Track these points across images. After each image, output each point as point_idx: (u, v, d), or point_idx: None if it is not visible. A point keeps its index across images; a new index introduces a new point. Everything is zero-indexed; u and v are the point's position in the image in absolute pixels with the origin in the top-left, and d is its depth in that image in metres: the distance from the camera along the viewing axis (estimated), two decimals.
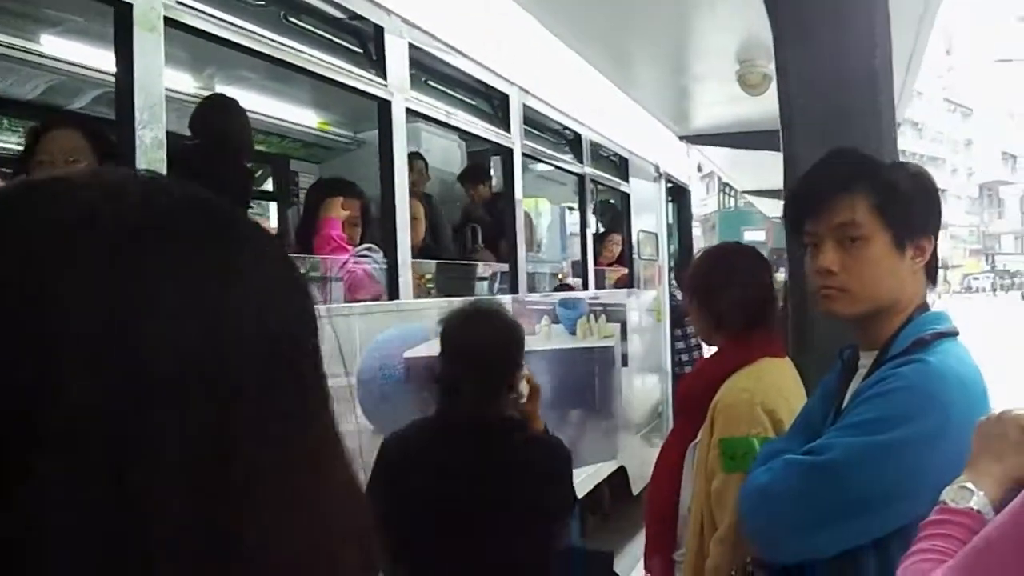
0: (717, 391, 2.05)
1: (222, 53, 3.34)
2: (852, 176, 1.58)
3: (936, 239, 1.60)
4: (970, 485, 1.10)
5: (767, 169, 6.06)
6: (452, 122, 3.83)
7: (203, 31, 2.51)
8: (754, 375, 2.06)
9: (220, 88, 4.74)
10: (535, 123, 4.83)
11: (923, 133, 71.05)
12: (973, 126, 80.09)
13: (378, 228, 3.54)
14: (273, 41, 2.76)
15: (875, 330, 1.58)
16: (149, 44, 2.17)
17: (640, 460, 6.40)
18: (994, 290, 58.12)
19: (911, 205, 1.56)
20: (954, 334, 1.57)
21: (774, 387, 2.03)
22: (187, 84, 4.52)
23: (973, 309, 31.05)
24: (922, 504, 1.17)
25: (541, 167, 5.81)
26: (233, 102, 3.42)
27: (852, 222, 1.55)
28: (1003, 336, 19.01)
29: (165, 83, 3.48)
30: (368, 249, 3.25)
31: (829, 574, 1.52)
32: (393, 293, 3.18)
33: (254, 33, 2.68)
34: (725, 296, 2.15)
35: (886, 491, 1.44)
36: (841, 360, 1.72)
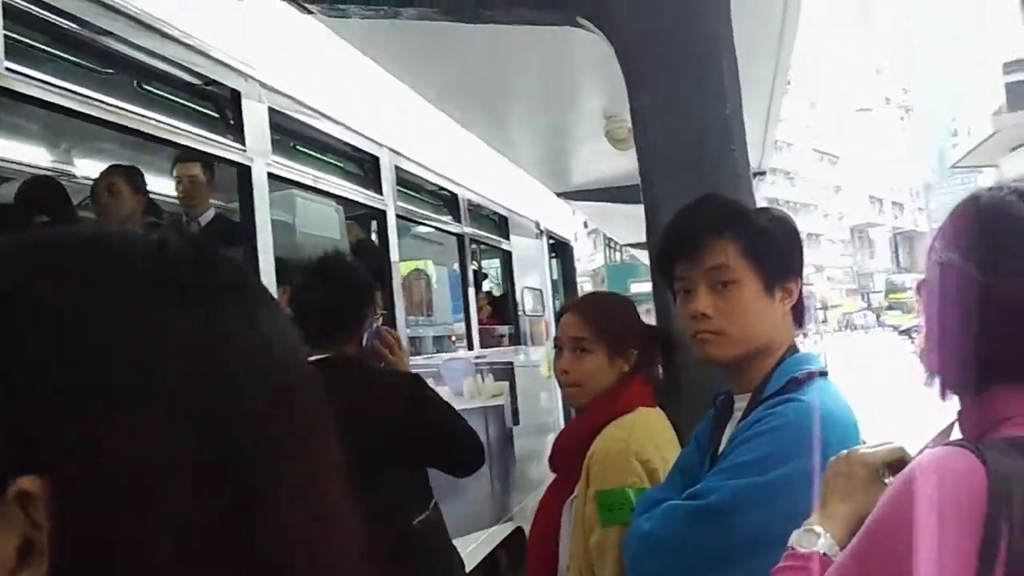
0: (591, 444, 2.00)
1: (79, 124, 3.20)
2: (723, 220, 1.60)
3: (801, 281, 1.62)
4: (817, 528, 1.08)
5: (643, 222, 6.18)
6: (320, 186, 3.76)
7: (42, 100, 2.39)
8: (627, 425, 2.01)
9: (78, 161, 4.56)
10: (409, 184, 4.80)
11: (795, 182, 74.42)
12: (841, 173, 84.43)
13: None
14: (120, 109, 2.64)
15: (748, 373, 1.59)
16: None
17: None
18: (880, 325, 60.63)
19: (778, 249, 1.59)
20: (825, 373, 1.58)
21: (647, 436, 1.99)
22: (42, 158, 4.33)
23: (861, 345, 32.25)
24: None
25: (422, 228, 5.76)
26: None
27: (724, 266, 1.56)
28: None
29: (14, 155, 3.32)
30: None
31: None
32: None
33: (99, 102, 2.57)
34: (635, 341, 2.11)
35: (770, 533, 1.42)
36: (714, 406, 1.72)
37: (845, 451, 1.15)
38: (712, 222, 1.61)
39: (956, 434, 1.03)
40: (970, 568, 0.83)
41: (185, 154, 3.62)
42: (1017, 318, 0.92)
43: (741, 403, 1.60)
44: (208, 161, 3.60)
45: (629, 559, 1.61)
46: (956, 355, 0.99)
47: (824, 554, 1.05)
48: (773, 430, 1.45)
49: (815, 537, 1.07)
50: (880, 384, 14.72)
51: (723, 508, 1.45)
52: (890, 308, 61.28)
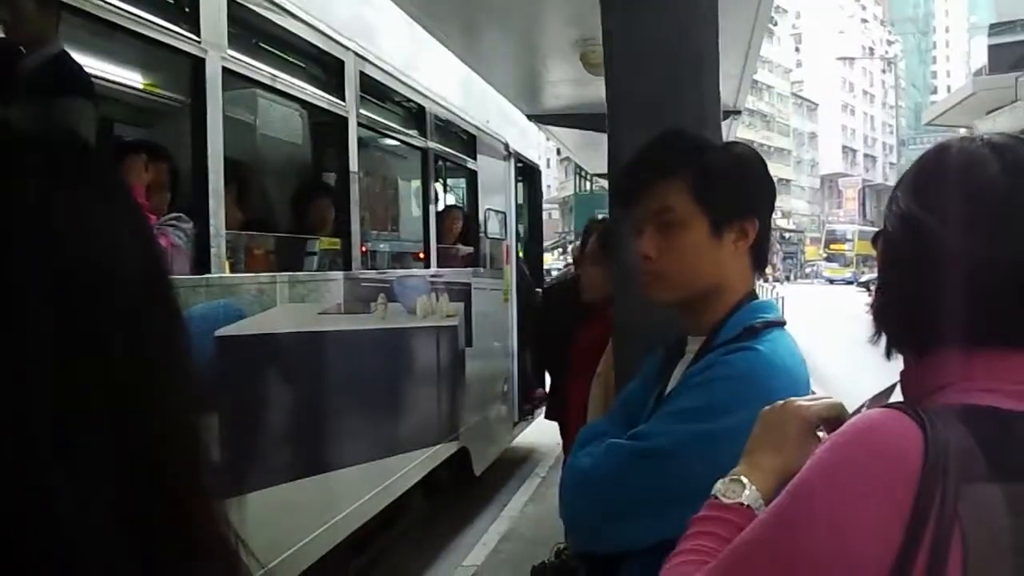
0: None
1: None
2: (669, 161, 1.55)
3: (763, 223, 1.56)
4: (743, 478, 1.04)
5: None
6: (277, 86, 3.61)
7: None
8: None
9: None
10: (374, 92, 4.65)
11: (771, 125, 74.29)
12: (818, 121, 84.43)
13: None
14: None
15: (701, 315, 1.55)
16: None
17: (483, 441, 6.35)
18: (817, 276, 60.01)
19: (731, 188, 1.53)
20: (782, 324, 1.54)
21: None
22: None
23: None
24: None
25: (385, 141, 5.61)
26: None
27: (668, 207, 1.51)
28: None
29: None
30: (176, 219, 2.99)
31: (645, 565, 1.46)
32: (203, 267, 2.96)
33: None
34: None
35: (710, 480, 1.41)
36: (665, 345, 1.68)
37: (781, 401, 1.10)
38: (659, 162, 1.56)
39: (897, 396, 0.98)
40: (894, 542, 0.78)
41: None
42: (972, 279, 0.86)
43: (693, 345, 1.56)
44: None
45: (565, 492, 1.59)
46: (904, 313, 0.94)
47: (747, 506, 1.01)
48: (721, 379, 1.42)
49: (740, 487, 1.03)
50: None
51: (667, 452, 1.42)
52: (828, 259, 60.26)
